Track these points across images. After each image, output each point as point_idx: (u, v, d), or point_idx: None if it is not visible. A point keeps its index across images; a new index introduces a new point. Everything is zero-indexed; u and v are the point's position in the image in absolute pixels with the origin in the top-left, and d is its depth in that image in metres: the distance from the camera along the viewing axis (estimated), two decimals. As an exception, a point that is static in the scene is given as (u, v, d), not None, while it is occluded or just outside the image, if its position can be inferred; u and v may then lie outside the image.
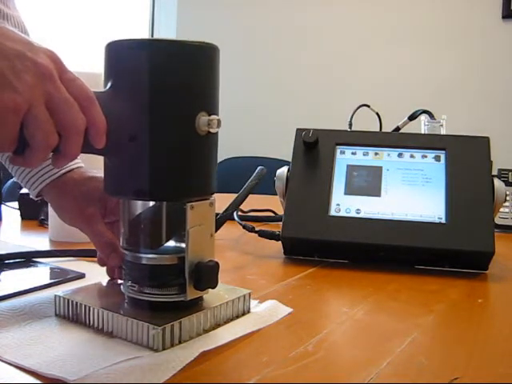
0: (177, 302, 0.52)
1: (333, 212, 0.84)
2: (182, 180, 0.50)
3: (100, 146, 0.47)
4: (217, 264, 0.52)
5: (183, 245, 0.52)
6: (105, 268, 0.61)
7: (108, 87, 0.50)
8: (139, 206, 0.54)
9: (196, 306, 0.54)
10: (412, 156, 0.87)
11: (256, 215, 1.14)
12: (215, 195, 0.54)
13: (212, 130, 0.50)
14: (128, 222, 0.54)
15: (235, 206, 0.83)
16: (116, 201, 0.56)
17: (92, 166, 0.65)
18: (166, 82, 0.48)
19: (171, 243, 0.54)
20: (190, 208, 0.50)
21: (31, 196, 0.68)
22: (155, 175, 0.49)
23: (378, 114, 1.13)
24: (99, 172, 0.62)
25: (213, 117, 0.50)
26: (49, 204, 0.70)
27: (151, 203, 0.53)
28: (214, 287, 0.53)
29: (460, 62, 2.43)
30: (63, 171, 0.65)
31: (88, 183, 0.64)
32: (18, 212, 1.09)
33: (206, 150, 0.51)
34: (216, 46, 0.52)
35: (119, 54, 0.50)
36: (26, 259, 0.75)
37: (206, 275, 0.52)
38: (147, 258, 0.53)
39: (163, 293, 0.52)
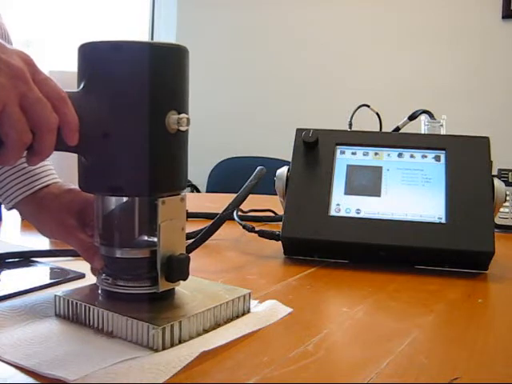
0: (152, 295, 0.53)
1: (333, 212, 0.84)
2: (153, 176, 0.52)
3: (73, 143, 0.48)
4: (187, 257, 0.54)
5: (155, 239, 0.53)
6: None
7: (81, 87, 0.51)
8: (112, 202, 0.55)
9: (196, 305, 0.54)
10: (412, 156, 0.87)
11: (256, 215, 1.14)
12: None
13: (182, 128, 0.52)
14: (102, 217, 0.56)
15: (235, 205, 0.83)
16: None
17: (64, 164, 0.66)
18: (137, 82, 0.50)
19: (144, 237, 0.55)
20: (161, 203, 0.52)
21: (4, 208, 0.69)
22: (127, 171, 0.51)
23: (378, 114, 1.13)
24: (75, 184, 0.63)
25: (182, 115, 0.52)
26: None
27: (124, 198, 0.55)
28: (185, 279, 0.54)
29: (460, 62, 2.43)
30: (39, 186, 0.66)
31: (67, 196, 0.65)
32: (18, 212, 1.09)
33: (176, 148, 0.53)
34: (185, 48, 0.54)
35: (92, 56, 0.51)
36: (26, 259, 0.75)
37: (177, 268, 0.53)
38: (121, 251, 0.55)
39: (136, 285, 0.54)
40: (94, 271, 0.61)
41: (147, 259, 0.54)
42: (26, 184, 0.66)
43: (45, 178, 0.67)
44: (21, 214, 0.69)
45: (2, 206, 1.10)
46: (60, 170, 0.71)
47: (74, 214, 0.62)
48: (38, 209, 0.65)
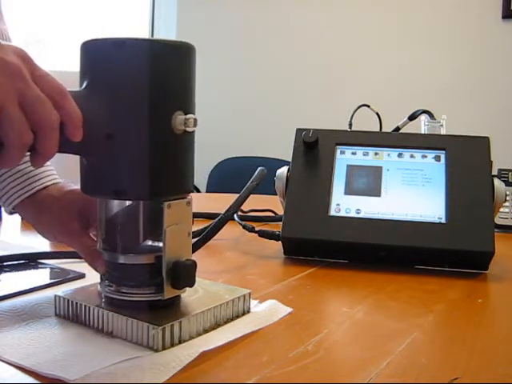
0: (157, 302, 0.52)
1: (333, 212, 0.84)
2: (159, 179, 0.50)
3: (77, 139, 0.47)
4: (194, 263, 0.52)
5: (160, 244, 0.51)
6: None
7: (84, 86, 0.49)
8: (116, 206, 0.54)
9: (196, 305, 0.54)
10: (412, 156, 0.87)
11: (256, 215, 1.14)
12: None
13: (188, 129, 0.50)
14: (105, 221, 0.54)
15: (236, 207, 0.83)
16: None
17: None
18: (142, 82, 0.48)
19: (148, 242, 0.54)
20: (167, 207, 0.50)
21: (5, 212, 0.68)
22: (131, 174, 0.49)
23: (378, 114, 1.13)
24: (77, 184, 0.62)
25: (189, 116, 0.50)
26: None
27: (128, 202, 0.53)
28: (191, 286, 0.53)
29: (460, 62, 2.43)
30: (37, 188, 0.64)
31: (68, 197, 0.63)
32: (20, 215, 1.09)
33: (183, 149, 0.52)
34: (192, 46, 0.52)
35: (95, 53, 0.50)
36: (29, 260, 0.75)
37: (184, 274, 0.52)
38: (124, 257, 0.53)
39: (140, 292, 0.53)
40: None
41: (152, 265, 0.52)
42: (23, 186, 0.64)
43: (43, 180, 0.65)
44: (23, 218, 0.68)
45: (2, 208, 1.10)
46: (60, 172, 0.69)
47: (76, 216, 0.61)
48: (39, 212, 0.64)
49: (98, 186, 0.51)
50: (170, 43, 0.50)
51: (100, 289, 0.55)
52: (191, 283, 0.53)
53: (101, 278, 0.56)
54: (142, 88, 0.48)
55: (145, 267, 0.53)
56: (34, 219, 0.65)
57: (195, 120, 0.50)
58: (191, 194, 0.55)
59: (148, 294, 0.53)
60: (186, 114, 0.50)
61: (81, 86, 0.50)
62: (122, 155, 0.49)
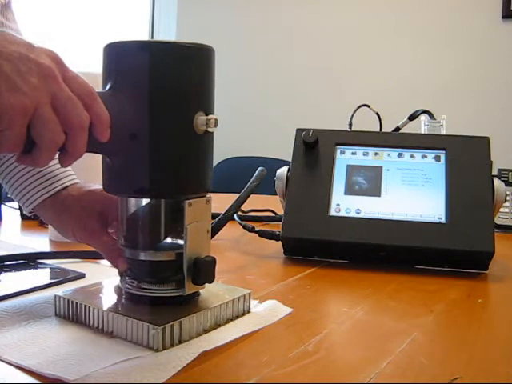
0: (176, 298, 0.53)
1: (333, 212, 0.84)
2: (181, 178, 0.51)
3: (105, 140, 0.48)
4: (214, 259, 0.54)
5: (180, 241, 0.53)
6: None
7: (108, 87, 0.50)
8: (138, 204, 0.55)
9: (196, 305, 0.54)
10: (412, 156, 0.87)
11: (256, 215, 1.14)
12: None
13: (209, 129, 0.51)
14: (127, 219, 0.55)
15: (236, 207, 0.83)
16: (117, 211, 0.57)
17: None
18: (166, 83, 0.49)
19: (168, 240, 0.55)
20: (187, 205, 0.51)
21: (24, 212, 0.68)
22: (155, 173, 0.50)
23: (378, 114, 1.13)
24: (95, 184, 0.62)
25: (210, 116, 0.51)
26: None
27: (149, 200, 0.54)
28: (211, 282, 0.54)
29: (460, 62, 2.43)
30: (57, 189, 0.65)
31: (87, 197, 0.63)
32: (18, 212, 1.09)
33: (204, 149, 0.53)
34: (212, 48, 0.53)
35: (119, 56, 0.51)
36: (28, 260, 0.75)
37: (204, 270, 0.53)
38: (145, 254, 0.54)
39: (161, 288, 0.54)
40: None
41: (172, 262, 0.53)
42: (44, 187, 0.65)
43: (63, 180, 0.66)
44: (42, 218, 0.68)
45: (2, 205, 1.10)
46: (77, 171, 0.69)
47: (95, 216, 0.61)
48: (59, 212, 0.64)
49: (121, 185, 0.52)
50: (192, 46, 0.51)
51: (120, 285, 0.56)
52: (211, 279, 0.54)
53: (120, 275, 0.57)
54: (165, 89, 0.49)
55: (165, 264, 0.54)
56: (55, 219, 0.65)
57: (216, 120, 0.52)
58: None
59: (169, 290, 0.54)
60: (207, 115, 0.51)
61: (104, 87, 0.51)
62: (146, 155, 0.49)
